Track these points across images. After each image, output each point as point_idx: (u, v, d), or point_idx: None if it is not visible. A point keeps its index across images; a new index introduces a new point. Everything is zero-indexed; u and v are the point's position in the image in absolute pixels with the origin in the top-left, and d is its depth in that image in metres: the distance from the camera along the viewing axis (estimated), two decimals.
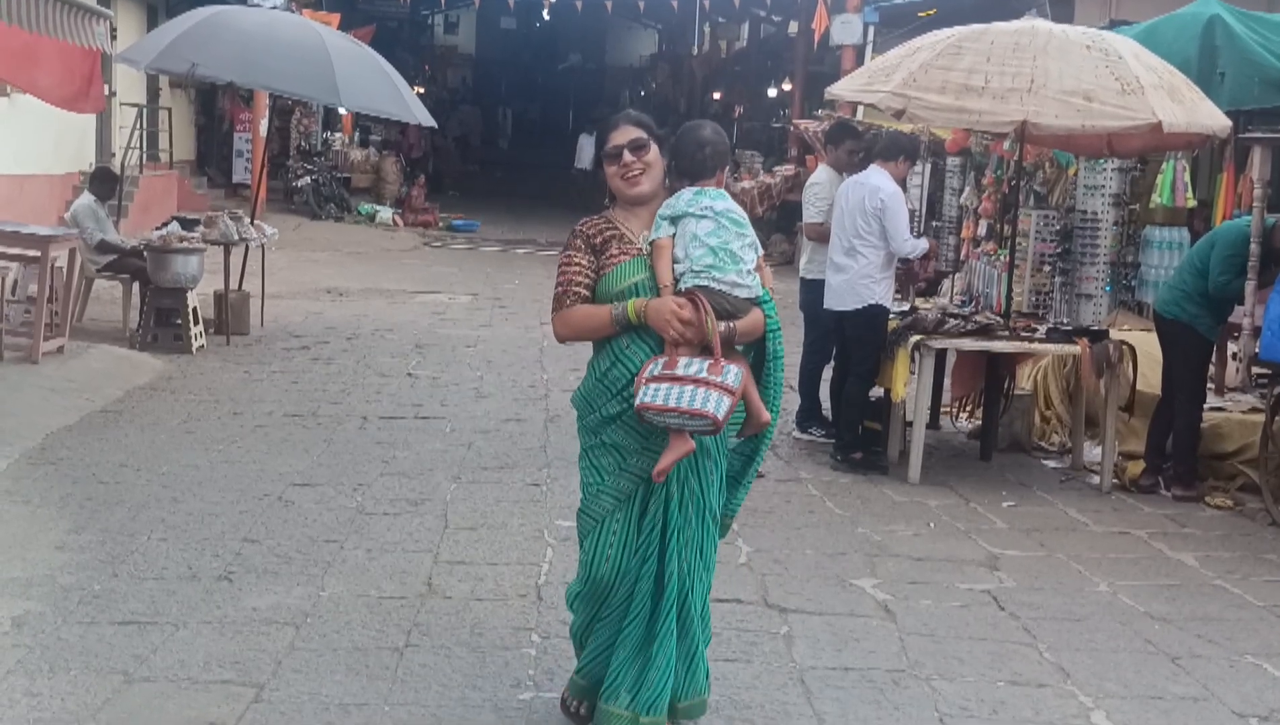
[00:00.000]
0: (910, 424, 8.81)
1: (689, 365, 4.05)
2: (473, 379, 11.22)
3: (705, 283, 4.15)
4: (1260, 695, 5.28)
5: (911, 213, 11.91)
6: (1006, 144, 11.46)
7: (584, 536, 4.37)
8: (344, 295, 16.20)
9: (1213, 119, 8.34)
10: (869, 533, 7.28)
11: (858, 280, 8.58)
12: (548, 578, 6.20)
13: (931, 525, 7.53)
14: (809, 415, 9.53)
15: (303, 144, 26.59)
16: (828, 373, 9.43)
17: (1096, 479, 8.67)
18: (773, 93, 32.27)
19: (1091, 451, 9.12)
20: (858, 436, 8.81)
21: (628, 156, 4.25)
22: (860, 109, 16.87)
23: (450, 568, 6.28)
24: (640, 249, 4.26)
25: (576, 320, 4.29)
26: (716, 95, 39.71)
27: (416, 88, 24.85)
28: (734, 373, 4.07)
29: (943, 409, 10.10)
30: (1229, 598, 6.51)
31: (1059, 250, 11.43)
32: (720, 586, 6.14)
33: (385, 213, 25.38)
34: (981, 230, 13.20)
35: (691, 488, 4.28)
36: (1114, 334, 8.94)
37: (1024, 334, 8.67)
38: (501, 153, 46.91)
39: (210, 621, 5.44)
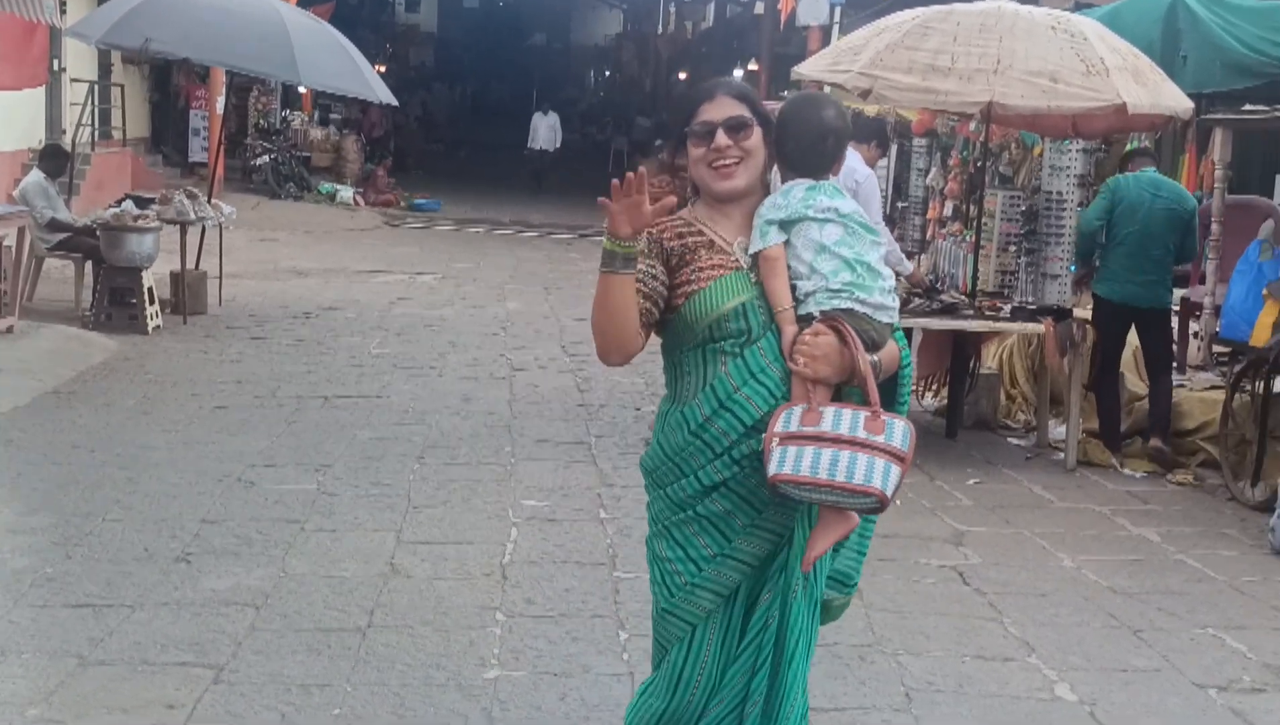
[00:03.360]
0: None
1: (839, 419, 3.03)
2: (435, 359, 11.14)
3: (848, 305, 3.17)
4: (1219, 667, 5.31)
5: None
6: (972, 125, 11.45)
7: (666, 645, 3.30)
8: (304, 275, 16.07)
9: (1175, 101, 8.36)
10: None
11: None
12: (512, 557, 6.16)
13: (897, 502, 7.48)
14: None
15: (261, 122, 26.37)
16: None
17: (1061, 456, 8.70)
18: (739, 73, 32.18)
19: (1056, 429, 9.16)
20: None
21: (722, 138, 3.20)
22: (826, 90, 16.83)
23: (413, 547, 6.22)
24: (738, 261, 3.23)
25: (595, 313, 3.19)
26: (682, 75, 39.73)
27: (378, 66, 24.65)
28: (901, 430, 3.03)
29: None
30: (1189, 572, 6.55)
31: (1024, 230, 11.42)
32: None
33: (346, 192, 25.20)
34: (948, 211, 13.19)
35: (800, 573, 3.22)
36: (1078, 313, 8.96)
37: (989, 313, 8.67)
38: (464, 132, 46.75)
39: (168, 603, 5.37)
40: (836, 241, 3.21)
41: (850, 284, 3.18)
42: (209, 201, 12.93)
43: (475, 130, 47.29)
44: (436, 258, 18.85)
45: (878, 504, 3.00)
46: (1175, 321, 9.92)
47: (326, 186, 25.34)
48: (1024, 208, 10.99)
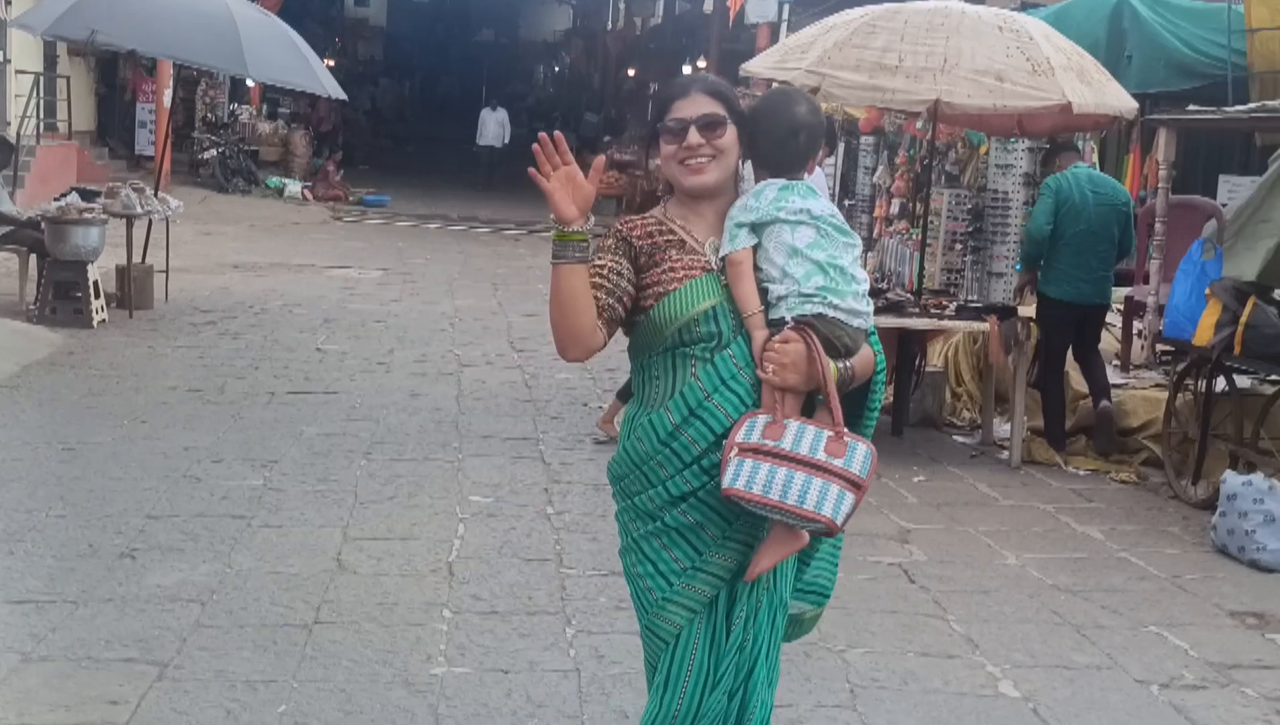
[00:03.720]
0: None
1: (800, 437, 2.97)
2: (383, 354, 11.09)
3: (820, 310, 3.07)
4: (1161, 664, 5.37)
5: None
6: (919, 123, 11.53)
7: (651, 660, 3.22)
8: (251, 270, 15.94)
9: (1120, 101, 8.44)
10: None
11: None
12: (459, 553, 6.15)
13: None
14: None
15: (209, 115, 26.14)
16: None
17: (1006, 454, 8.77)
18: (687, 70, 32.24)
19: (1001, 427, 9.23)
20: None
21: (694, 136, 3.11)
22: (774, 87, 16.86)
23: (360, 544, 6.20)
24: (709, 262, 3.15)
25: (551, 308, 3.07)
26: (631, 72, 39.71)
27: (326, 60, 24.49)
28: (862, 455, 2.98)
29: None
30: (1132, 569, 6.62)
31: (970, 229, 11.53)
32: None
33: (294, 186, 25.03)
34: (894, 209, 13.27)
35: (766, 583, 3.16)
36: (1022, 311, 9.04)
37: (934, 311, 8.73)
38: (412, 127, 46.56)
39: (112, 599, 5.32)
40: (809, 244, 3.11)
41: (823, 288, 3.08)
42: (155, 195, 12.81)
43: (423, 125, 47.12)
44: (384, 253, 18.75)
45: (826, 530, 2.96)
46: (1119, 320, 10.04)
47: (274, 181, 25.16)
48: (970, 206, 11.10)
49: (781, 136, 3.18)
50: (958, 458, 8.85)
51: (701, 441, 3.05)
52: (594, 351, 3.09)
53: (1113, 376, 9.33)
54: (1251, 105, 9.03)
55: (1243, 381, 7.97)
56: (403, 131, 44.24)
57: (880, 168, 14.29)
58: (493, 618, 5.38)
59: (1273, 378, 7.62)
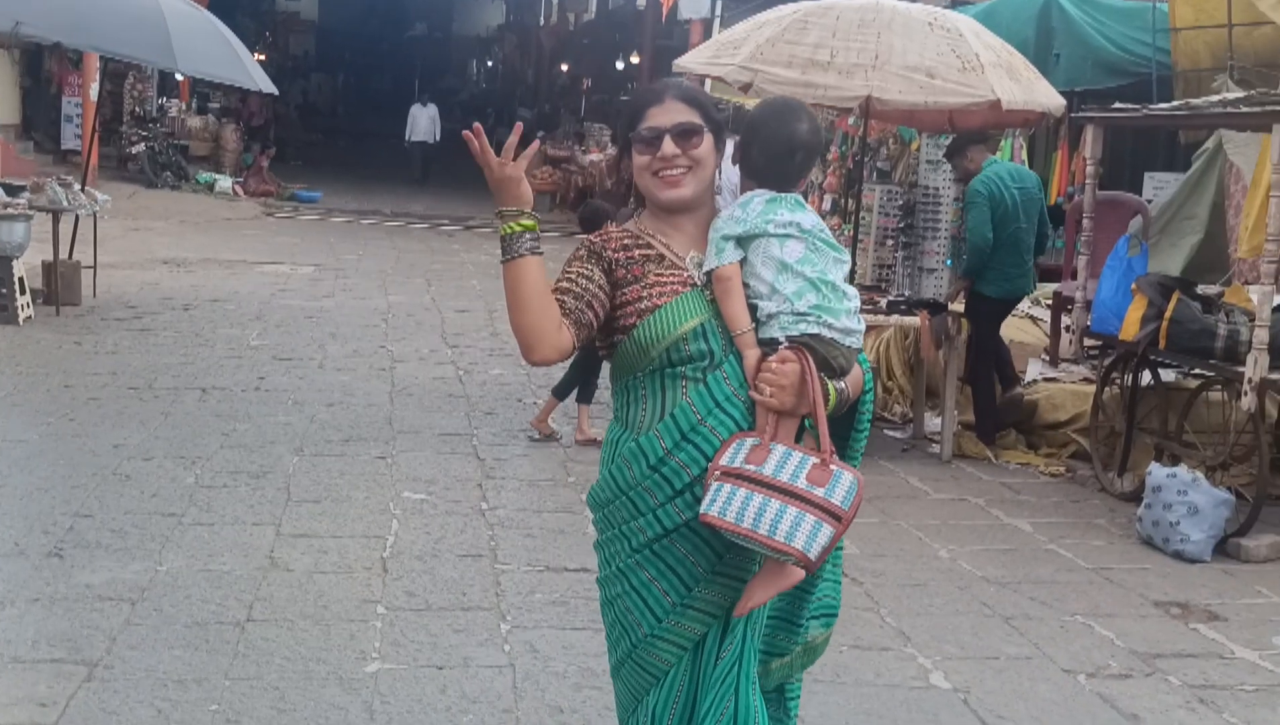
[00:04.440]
0: None
1: (783, 463, 2.81)
2: (316, 351, 11.01)
3: (815, 330, 2.92)
4: (1088, 654, 5.46)
5: None
6: (851, 119, 11.60)
7: (636, 692, 3.05)
8: (182, 266, 15.75)
9: (1048, 98, 8.56)
10: None
11: None
12: (393, 550, 6.12)
13: None
14: None
15: (137, 109, 25.77)
16: None
17: (937, 448, 8.87)
18: (621, 66, 32.24)
19: (932, 422, 9.32)
20: None
21: (669, 146, 2.95)
22: (708, 82, 16.93)
23: (293, 541, 6.16)
24: (692, 277, 3.00)
25: (510, 311, 2.88)
26: (564, 67, 39.64)
27: (257, 54, 24.27)
28: (846, 485, 2.83)
29: None
30: (1060, 561, 6.72)
31: (902, 225, 11.62)
32: (571, 555, 6.15)
33: (225, 182, 24.73)
34: (826, 205, 13.34)
35: (753, 615, 2.99)
36: (953, 306, 9.14)
37: (866, 306, 8.79)
38: (345, 122, 46.25)
39: (39, 599, 5.25)
40: (799, 259, 2.95)
41: (816, 306, 2.92)
42: (83, 190, 12.62)
43: (356, 120, 46.82)
44: (317, 249, 18.58)
45: (799, 563, 2.78)
46: (1048, 316, 10.18)
47: (205, 176, 24.85)
48: (901, 202, 11.18)
49: (778, 154, 3.03)
50: (889, 452, 8.93)
51: (694, 467, 2.90)
52: (564, 352, 2.92)
53: (1041, 371, 9.45)
54: (1175, 103, 9.17)
55: (1168, 375, 8.11)
56: (335, 126, 43.93)
57: None
58: (427, 614, 5.37)
59: (1196, 372, 7.75)
